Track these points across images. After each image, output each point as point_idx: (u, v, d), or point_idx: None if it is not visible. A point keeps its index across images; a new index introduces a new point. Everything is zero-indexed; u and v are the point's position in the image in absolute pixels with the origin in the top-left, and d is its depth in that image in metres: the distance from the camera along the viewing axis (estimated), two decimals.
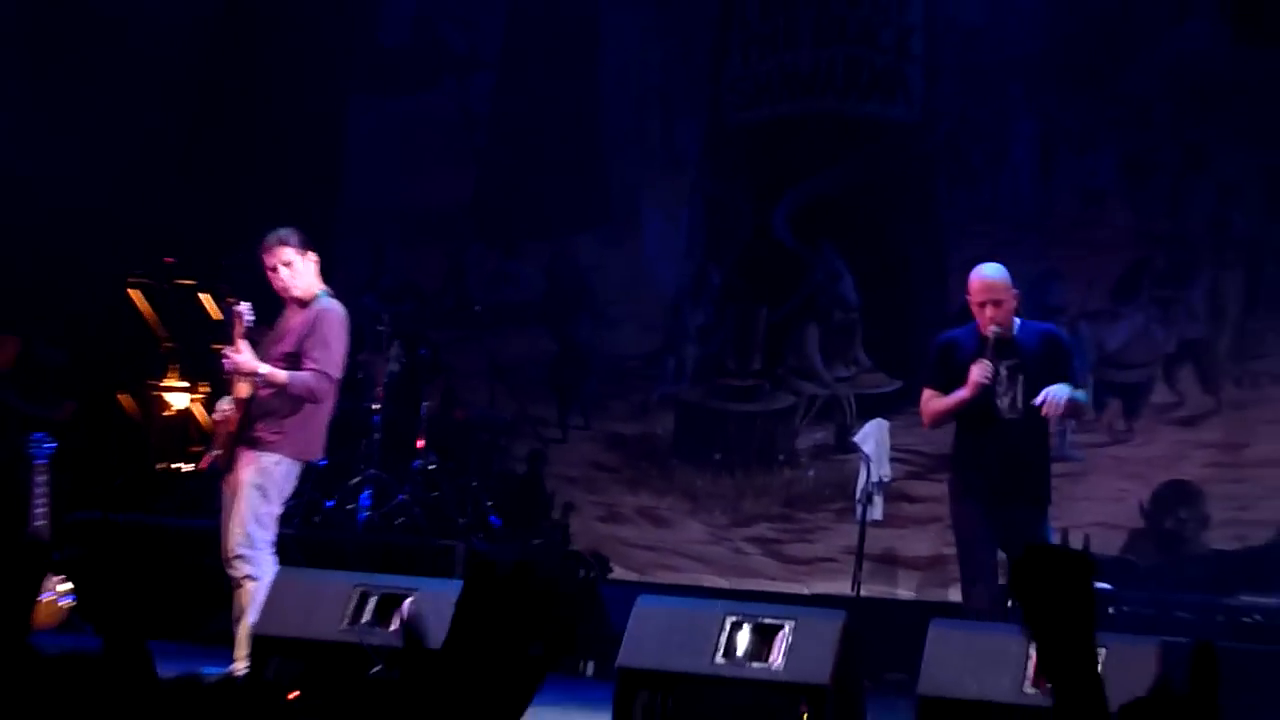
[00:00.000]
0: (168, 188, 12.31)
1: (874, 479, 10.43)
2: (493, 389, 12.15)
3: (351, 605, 7.53)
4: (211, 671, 7.30)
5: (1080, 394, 8.48)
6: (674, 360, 12.17)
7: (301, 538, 9.86)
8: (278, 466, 8.18)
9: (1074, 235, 11.45)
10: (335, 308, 8.41)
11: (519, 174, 12.77)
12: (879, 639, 8.91)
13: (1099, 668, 3.16)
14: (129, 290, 12.43)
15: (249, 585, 8.02)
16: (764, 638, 7.04)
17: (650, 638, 7.20)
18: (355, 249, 12.27)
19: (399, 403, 11.33)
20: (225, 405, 8.35)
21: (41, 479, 9.42)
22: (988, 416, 8.19)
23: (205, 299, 12.11)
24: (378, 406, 11.16)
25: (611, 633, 7.86)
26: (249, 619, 7.91)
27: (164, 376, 12.33)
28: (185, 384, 12.25)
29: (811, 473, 11.78)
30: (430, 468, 11.26)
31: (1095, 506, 11.07)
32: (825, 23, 12.07)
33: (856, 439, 10.79)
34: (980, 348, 8.21)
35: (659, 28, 12.55)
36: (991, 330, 8.13)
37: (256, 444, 8.16)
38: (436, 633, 7.25)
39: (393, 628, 7.45)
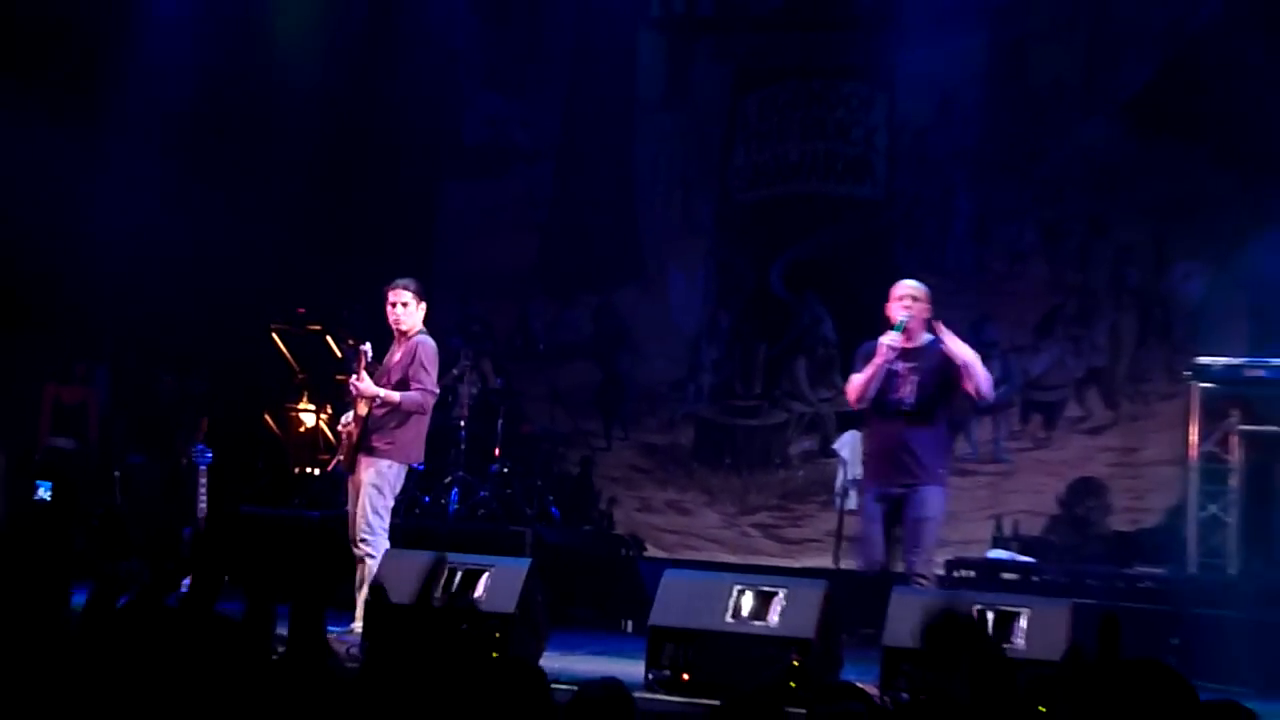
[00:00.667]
0: (299, 254, 12.32)
1: (849, 478, 10.43)
2: (552, 409, 12.16)
3: (443, 578, 7.57)
4: (334, 630, 7.42)
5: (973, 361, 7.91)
6: (694, 386, 12.19)
7: (405, 526, 9.84)
8: (390, 469, 8.18)
9: (1004, 287, 11.46)
10: (429, 341, 8.37)
11: (572, 242, 12.76)
12: (853, 602, 8.89)
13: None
14: (271, 334, 12.47)
15: (369, 562, 8.01)
16: (763, 601, 7.05)
17: (675, 602, 7.20)
18: (445, 300, 12.23)
19: (479, 420, 11.33)
20: (347, 420, 8.34)
21: (203, 481, 9.47)
22: (885, 408, 7.86)
23: (329, 341, 12.12)
24: (463, 423, 11.18)
25: (645, 598, 7.86)
26: (366, 588, 7.91)
27: (298, 401, 12.31)
28: (314, 406, 12.25)
29: (801, 473, 11.80)
30: (504, 471, 11.25)
31: (1021, 498, 11.08)
32: (809, 123, 12.11)
33: (836, 446, 10.84)
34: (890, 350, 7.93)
35: (680, 128, 12.56)
36: (901, 316, 7.84)
37: (373, 452, 8.16)
38: (508, 600, 7.30)
39: (476, 594, 7.47)
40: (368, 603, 7.63)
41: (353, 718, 3.26)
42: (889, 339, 7.81)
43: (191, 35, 12.10)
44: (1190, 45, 11.00)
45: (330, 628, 7.05)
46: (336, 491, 9.67)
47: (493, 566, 7.57)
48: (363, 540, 8.08)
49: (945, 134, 11.64)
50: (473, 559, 7.71)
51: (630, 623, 10.20)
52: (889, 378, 7.86)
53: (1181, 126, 10.93)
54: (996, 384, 11.29)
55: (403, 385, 8.22)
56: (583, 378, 12.49)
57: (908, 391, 7.84)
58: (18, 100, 11.13)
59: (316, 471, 11.63)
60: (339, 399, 9.57)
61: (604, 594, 10.91)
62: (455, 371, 11.09)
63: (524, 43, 13.14)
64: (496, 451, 11.28)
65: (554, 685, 3.39)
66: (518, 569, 7.61)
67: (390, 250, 12.20)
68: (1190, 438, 9.58)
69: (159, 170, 11.87)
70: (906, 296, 7.92)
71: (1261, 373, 9.35)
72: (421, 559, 7.77)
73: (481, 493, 11.05)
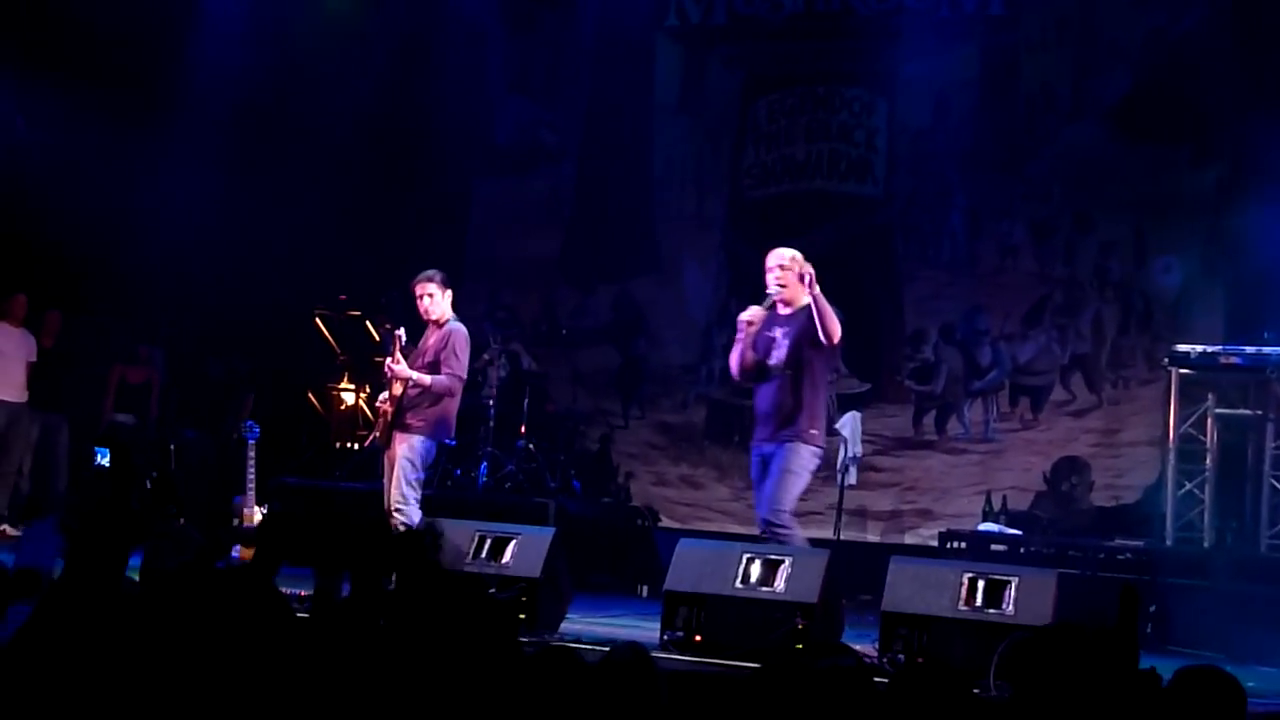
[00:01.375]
0: (342, 245, 12.32)
1: (849, 455, 10.34)
2: (574, 390, 12.14)
3: (474, 545, 7.53)
4: None
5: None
6: (706, 369, 12.15)
7: (438, 496, 9.86)
8: (422, 445, 8.18)
9: (995, 279, 11.41)
10: (461, 328, 8.37)
11: (594, 235, 12.72)
12: (853, 570, 8.89)
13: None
14: (315, 318, 12.47)
15: (403, 529, 8.00)
16: (770, 569, 7.02)
17: (688, 569, 7.17)
18: (476, 289, 12.29)
19: (507, 400, 11.33)
20: (384, 400, 8.34)
21: (251, 455, 9.47)
22: (762, 372, 7.74)
23: (368, 325, 12.13)
24: (492, 402, 11.18)
25: (660, 565, 7.84)
26: None
27: (339, 381, 12.34)
28: (354, 386, 12.26)
29: None
30: (530, 447, 11.23)
31: (1010, 475, 11.04)
32: (814, 126, 12.05)
33: (837, 425, 10.74)
34: (770, 309, 7.79)
35: (695, 130, 12.52)
36: (772, 289, 7.69)
37: (407, 428, 8.16)
38: (533, 566, 7.27)
39: (504, 560, 7.47)
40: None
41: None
42: (747, 313, 7.71)
43: (242, 39, 12.11)
44: (1170, 54, 10.94)
45: None
46: (374, 465, 9.66)
47: (519, 535, 7.57)
48: (397, 510, 8.08)
49: (941, 136, 11.57)
50: (501, 527, 7.71)
51: (646, 588, 10.22)
52: (766, 343, 7.73)
53: (1162, 129, 10.87)
54: (987, 369, 11.35)
55: (434, 368, 8.22)
56: (603, 361, 12.44)
57: (778, 355, 7.69)
58: (83, 100, 11.14)
59: (356, 446, 11.64)
60: (376, 379, 9.57)
61: (622, 561, 10.91)
62: (486, 357, 11.07)
63: (549, 51, 13.11)
64: (523, 429, 11.26)
65: (576, 645, 3.37)
66: (542, 537, 7.60)
67: (426, 242, 12.23)
68: (1169, 420, 9.54)
69: (212, 167, 11.90)
70: (775, 268, 7.71)
71: (1235, 359, 9.33)
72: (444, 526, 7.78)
73: (509, 467, 11.04)
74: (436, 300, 8.32)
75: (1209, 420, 9.46)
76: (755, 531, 11.03)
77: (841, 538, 10.08)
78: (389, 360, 8.23)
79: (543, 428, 11.55)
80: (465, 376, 8.40)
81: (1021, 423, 11.17)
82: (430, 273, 8.37)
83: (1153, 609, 8.41)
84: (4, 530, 11.01)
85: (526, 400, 11.33)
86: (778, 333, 7.71)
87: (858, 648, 6.90)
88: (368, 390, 11.78)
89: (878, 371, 11.61)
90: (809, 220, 11.94)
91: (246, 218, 11.88)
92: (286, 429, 11.77)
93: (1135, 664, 3.23)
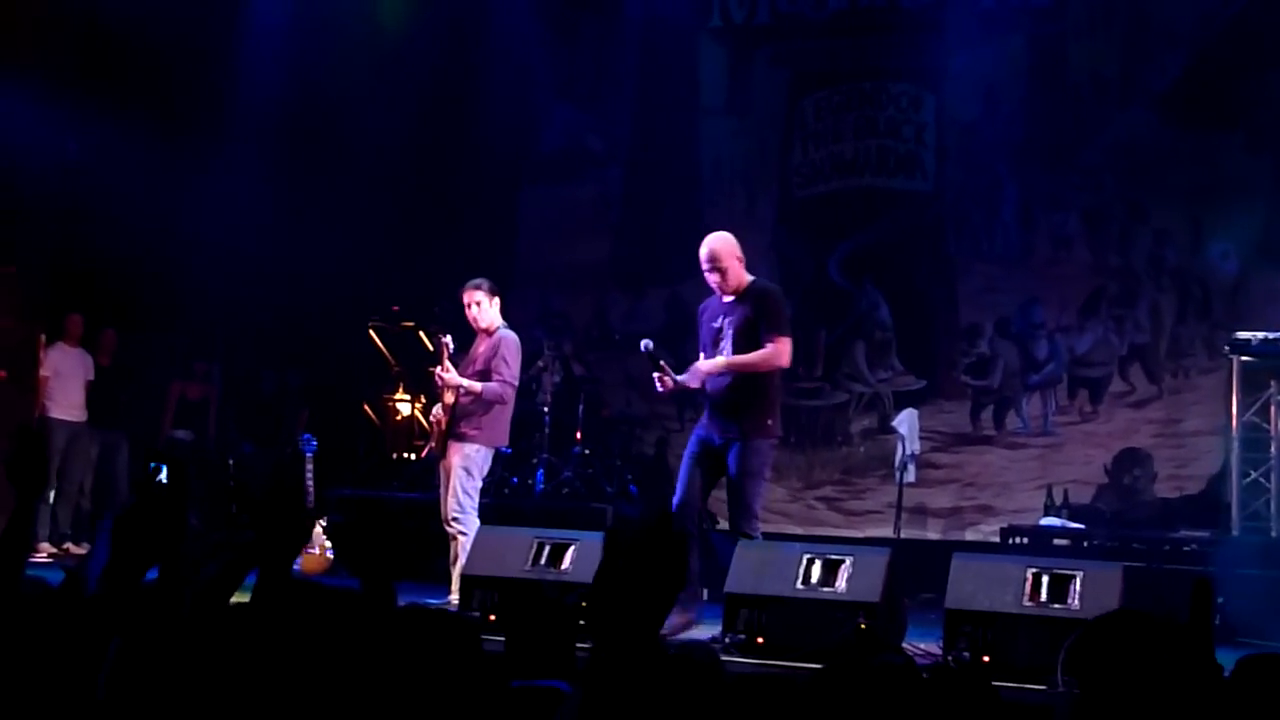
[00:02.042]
0: (394, 256, 12.36)
1: (908, 453, 10.36)
2: (628, 394, 12.11)
3: (532, 552, 7.54)
4: (431, 602, 7.39)
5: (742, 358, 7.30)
6: None
7: (495, 504, 9.84)
8: (478, 453, 8.17)
9: (1049, 271, 11.30)
10: (511, 335, 8.36)
11: (643, 238, 12.68)
12: (914, 568, 8.81)
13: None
14: (369, 330, 12.51)
15: (460, 539, 8.02)
16: (831, 569, 6.98)
17: (748, 570, 7.14)
18: (527, 296, 12.27)
19: (562, 406, 11.31)
20: (437, 410, 8.34)
21: (309, 467, 9.51)
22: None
23: (421, 336, 12.15)
24: (547, 409, 11.16)
25: (719, 567, 7.78)
26: (460, 563, 7.92)
27: (394, 392, 12.36)
28: (409, 397, 12.29)
29: (862, 449, 11.67)
30: (585, 452, 11.21)
31: (1071, 469, 10.93)
32: (862, 122, 11.98)
33: (894, 423, 10.72)
34: (718, 305, 7.47)
35: (742, 130, 12.47)
36: (644, 345, 7.47)
37: (462, 438, 8.15)
38: (592, 572, 7.25)
39: (563, 567, 7.45)
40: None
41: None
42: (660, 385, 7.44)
43: (289, 54, 12.16)
44: (1221, 37, 10.83)
45: (427, 600, 7.05)
46: (430, 475, 9.66)
47: (577, 541, 7.55)
48: (454, 519, 8.07)
49: (991, 128, 11.46)
50: (559, 534, 7.71)
51: (706, 590, 10.14)
52: (713, 334, 7.48)
53: (1214, 115, 10.76)
54: (1044, 362, 11.24)
55: (485, 376, 8.21)
56: None
57: (725, 346, 7.44)
58: (133, 120, 11.22)
59: (412, 457, 11.65)
60: (431, 390, 9.57)
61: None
62: (540, 364, 11.07)
63: (594, 58, 13.10)
64: (578, 435, 11.25)
65: None
66: (600, 543, 7.56)
67: (476, 250, 12.22)
68: (1231, 408, 9.42)
69: (262, 182, 11.94)
70: (707, 270, 7.42)
71: None
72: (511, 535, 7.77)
73: (565, 473, 11.02)
74: (484, 308, 8.32)
75: (1272, 408, 9.33)
76: (814, 531, 11.06)
77: (902, 536, 10.07)
78: (438, 369, 8.24)
79: (598, 433, 11.53)
80: (517, 383, 8.39)
81: (1081, 415, 11.06)
82: (477, 281, 8.37)
83: (1220, 601, 8.28)
84: (68, 548, 11.10)
85: (581, 406, 11.31)
86: (724, 322, 7.45)
87: (922, 646, 6.91)
88: (423, 401, 11.79)
89: (934, 368, 11.52)
90: (859, 217, 11.89)
91: (298, 232, 11.93)
92: (343, 441, 11.79)
93: (1211, 659, 3.15)
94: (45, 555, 10.62)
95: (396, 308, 12.35)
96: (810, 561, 7.02)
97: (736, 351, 7.36)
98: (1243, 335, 9.42)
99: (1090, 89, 11.26)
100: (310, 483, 9.45)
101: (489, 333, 8.33)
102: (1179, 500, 10.41)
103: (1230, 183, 10.66)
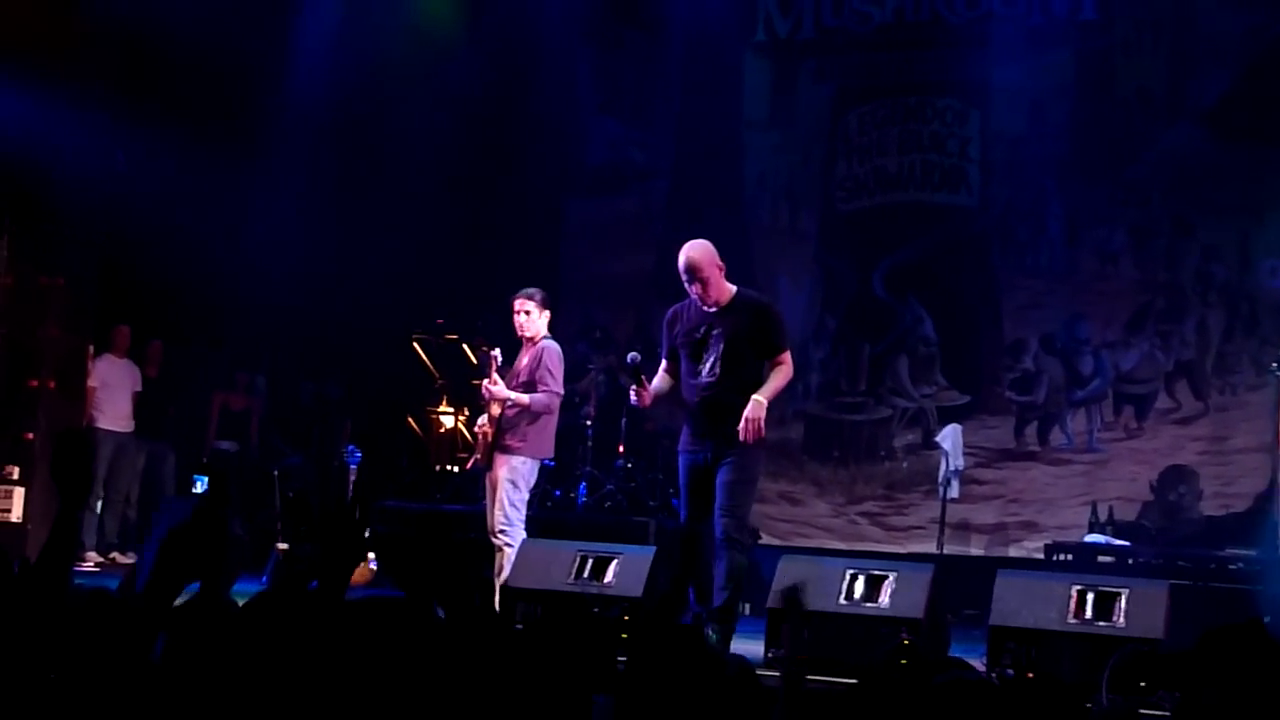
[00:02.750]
0: (437, 269, 12.42)
1: (951, 468, 10.33)
2: (671, 408, 12.00)
3: (575, 565, 7.58)
4: None
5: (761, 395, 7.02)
6: (802, 385, 12.05)
7: (538, 517, 9.86)
8: (523, 465, 8.18)
9: (1095, 286, 11.26)
10: (554, 345, 8.36)
11: None
12: (958, 584, 8.82)
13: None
14: (413, 343, 12.58)
15: (506, 550, 8.03)
16: (874, 585, 7.00)
17: (791, 586, 7.16)
18: (571, 310, 12.32)
19: (605, 419, 11.36)
20: (483, 421, 8.35)
21: (353, 479, 9.57)
22: (694, 375, 7.19)
23: (465, 348, 12.20)
24: (590, 422, 11.21)
25: (762, 582, 7.81)
26: (504, 575, 7.94)
27: (438, 404, 12.39)
28: (453, 409, 12.33)
29: (905, 464, 11.66)
30: (628, 466, 11.24)
31: (1116, 485, 10.89)
32: (906, 136, 11.97)
33: (938, 439, 10.70)
34: (698, 314, 7.20)
35: (785, 144, 12.49)
36: (631, 357, 7.36)
37: (507, 449, 8.16)
38: (636, 585, 7.28)
39: (606, 580, 7.48)
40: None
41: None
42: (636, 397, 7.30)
43: (333, 67, 12.26)
44: (1269, 52, 10.78)
45: None
46: (474, 487, 9.71)
47: (620, 554, 7.58)
48: (501, 531, 8.09)
49: (1036, 143, 11.45)
50: (602, 547, 7.75)
51: (748, 605, 10.15)
52: (693, 345, 7.19)
53: (1262, 129, 10.70)
54: (1089, 379, 11.20)
55: (530, 388, 8.23)
56: None
57: (710, 358, 7.13)
58: (179, 132, 11.33)
59: (456, 469, 11.70)
60: (475, 402, 9.63)
61: None
62: (588, 380, 11.10)
63: (638, 71, 13.15)
64: (621, 448, 11.28)
65: None
66: (644, 556, 7.61)
67: (520, 264, 12.24)
68: (1279, 426, 9.35)
69: (307, 194, 12.05)
70: (687, 280, 7.13)
71: None
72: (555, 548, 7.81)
73: (608, 486, 11.06)
74: (533, 317, 8.32)
75: None
76: (857, 547, 11.06)
77: (945, 552, 10.05)
78: (485, 381, 8.25)
79: (641, 447, 11.53)
80: (562, 392, 8.40)
81: (1126, 432, 11.01)
82: (532, 290, 8.38)
83: (1267, 620, 8.23)
84: (114, 558, 11.21)
85: (624, 419, 11.33)
86: (707, 333, 7.17)
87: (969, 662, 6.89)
88: (466, 413, 11.84)
89: (978, 383, 11.51)
90: (903, 232, 11.89)
91: (343, 244, 12.03)
92: (386, 453, 11.85)
93: None
94: (92, 564, 10.74)
95: (440, 320, 12.39)
96: (854, 577, 7.05)
97: (726, 363, 7.08)
98: None
99: (1137, 104, 11.23)
100: (354, 493, 9.50)
101: (533, 342, 8.34)
102: (1225, 518, 10.35)
103: (1278, 198, 10.60)
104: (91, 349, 11.39)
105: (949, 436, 10.40)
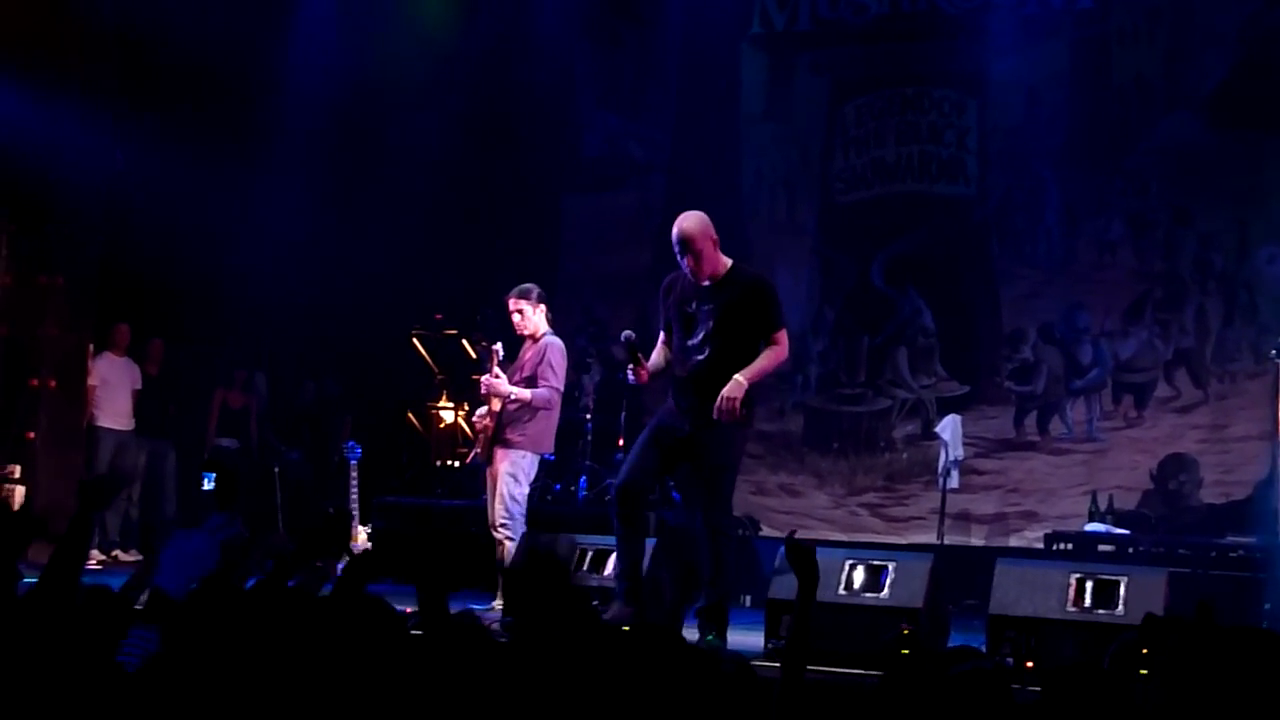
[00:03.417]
0: (436, 265, 12.43)
1: (951, 459, 10.34)
2: (668, 385, 12.10)
3: (575, 558, 7.60)
4: (477, 607, 7.45)
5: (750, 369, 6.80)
6: (802, 377, 12.10)
7: (538, 510, 9.85)
8: (524, 459, 8.19)
9: (1093, 276, 11.27)
10: (557, 341, 8.38)
11: None
12: (958, 574, 8.82)
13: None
14: (412, 339, 12.59)
15: (507, 544, 8.05)
16: (874, 575, 6.97)
17: (790, 577, 7.12)
18: (569, 304, 12.30)
19: (604, 413, 11.37)
20: (481, 414, 8.37)
21: (354, 475, 9.58)
22: (684, 349, 7.04)
23: (465, 344, 12.21)
24: (589, 416, 11.22)
25: (762, 574, 7.81)
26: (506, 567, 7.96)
27: (438, 400, 12.42)
28: (453, 404, 12.35)
29: (905, 455, 11.68)
30: None
31: (1116, 474, 10.89)
32: (904, 128, 11.98)
33: (937, 429, 10.70)
34: (691, 287, 7.00)
35: (782, 137, 12.50)
36: (625, 335, 7.19)
37: (507, 444, 8.17)
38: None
39: (606, 573, 7.50)
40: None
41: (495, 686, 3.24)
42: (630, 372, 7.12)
43: (332, 64, 12.25)
44: (1266, 39, 10.78)
45: (473, 605, 7.10)
46: (474, 482, 9.72)
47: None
48: (502, 525, 8.11)
49: (1033, 133, 11.46)
50: (602, 541, 7.76)
51: (748, 597, 10.17)
52: (685, 319, 7.02)
53: (1260, 117, 10.70)
54: (1088, 368, 11.21)
55: (531, 383, 8.25)
56: None
57: (701, 333, 6.97)
58: (178, 130, 11.35)
59: (456, 464, 11.72)
60: (475, 397, 9.63)
61: None
62: (587, 365, 11.11)
63: (635, 66, 13.15)
64: (620, 441, 11.25)
65: None
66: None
67: (518, 259, 12.29)
68: (1278, 413, 9.35)
69: (305, 191, 12.04)
70: (680, 253, 6.90)
71: None
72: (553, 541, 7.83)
73: (608, 480, 11.04)
74: (528, 316, 8.35)
75: None
76: (857, 538, 11.06)
77: (945, 542, 10.06)
78: (486, 376, 8.26)
79: None
80: (563, 388, 8.41)
81: (1126, 421, 11.02)
82: (524, 288, 8.40)
83: (1267, 607, 8.25)
84: (116, 556, 11.23)
85: (624, 413, 11.34)
86: (698, 308, 6.99)
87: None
88: (466, 408, 11.85)
89: (977, 373, 11.52)
90: (901, 223, 11.90)
91: (342, 240, 12.03)
92: (387, 449, 11.86)
93: None
94: (94, 563, 10.75)
95: (439, 316, 12.42)
96: (853, 567, 7.03)
97: (718, 339, 6.90)
98: None
99: (1134, 92, 11.23)
100: (355, 491, 9.51)
101: (535, 339, 8.37)
102: (1225, 506, 10.35)
103: (1277, 185, 10.61)
104: (91, 347, 11.40)
105: (948, 427, 10.41)
